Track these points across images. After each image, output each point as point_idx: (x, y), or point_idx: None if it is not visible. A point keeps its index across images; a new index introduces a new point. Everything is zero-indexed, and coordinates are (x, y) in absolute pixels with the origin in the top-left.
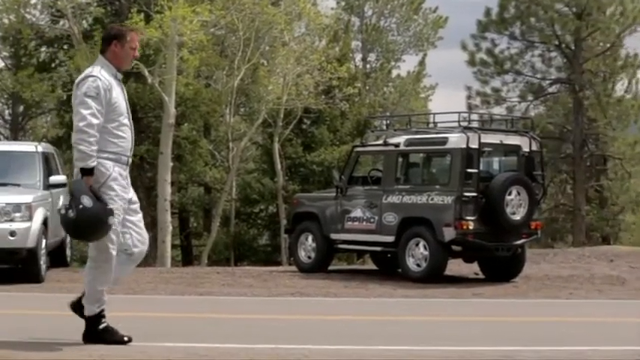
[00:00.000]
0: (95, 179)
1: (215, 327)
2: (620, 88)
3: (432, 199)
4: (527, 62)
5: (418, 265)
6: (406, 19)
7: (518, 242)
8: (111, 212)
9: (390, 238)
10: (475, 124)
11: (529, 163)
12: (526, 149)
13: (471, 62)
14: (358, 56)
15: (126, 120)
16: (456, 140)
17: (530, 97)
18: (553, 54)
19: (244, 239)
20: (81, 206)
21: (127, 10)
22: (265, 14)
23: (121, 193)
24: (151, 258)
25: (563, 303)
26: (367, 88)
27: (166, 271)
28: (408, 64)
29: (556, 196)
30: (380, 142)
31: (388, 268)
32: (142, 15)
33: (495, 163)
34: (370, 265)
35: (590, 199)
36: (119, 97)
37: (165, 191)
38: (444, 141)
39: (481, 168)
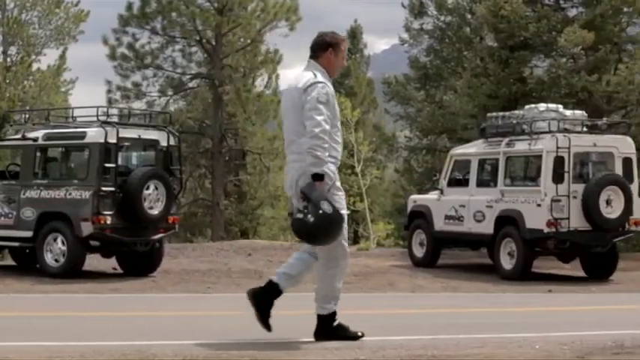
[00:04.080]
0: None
1: None
2: (259, 83)
3: (70, 194)
4: (167, 57)
5: (56, 261)
6: (48, 12)
7: (156, 237)
8: (343, 217)
9: (28, 234)
10: (115, 119)
11: (167, 158)
12: (164, 144)
13: (112, 56)
14: None
15: (340, 125)
16: (94, 135)
17: (170, 92)
18: (194, 49)
19: None
20: (321, 211)
21: None
22: None
23: (343, 197)
24: None
25: (200, 297)
26: (7, 81)
27: None
28: (48, 58)
29: (195, 191)
30: (18, 136)
31: (27, 263)
32: None
33: (134, 157)
34: (9, 261)
35: (229, 194)
36: (336, 103)
37: None
38: (83, 135)
39: (119, 162)
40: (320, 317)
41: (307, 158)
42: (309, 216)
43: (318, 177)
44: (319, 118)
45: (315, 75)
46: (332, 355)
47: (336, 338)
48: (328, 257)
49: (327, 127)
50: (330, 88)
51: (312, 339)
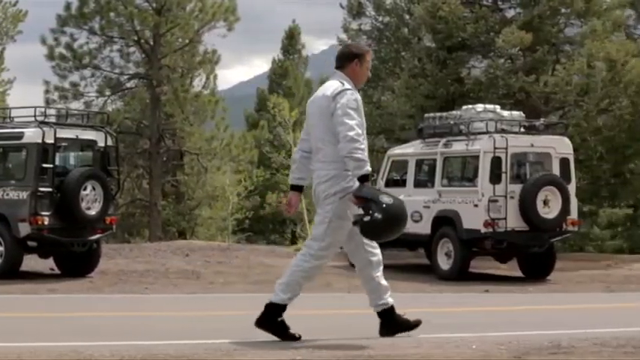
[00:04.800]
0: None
1: None
2: (197, 83)
3: (8, 195)
4: (105, 57)
5: None
6: None
7: (94, 237)
8: (404, 203)
9: None
10: (52, 119)
11: (104, 158)
12: (102, 144)
13: (50, 56)
14: None
15: (365, 134)
16: (31, 135)
17: (108, 92)
18: (132, 49)
19: None
20: (384, 205)
21: None
22: None
23: None
24: None
25: (138, 298)
26: None
27: None
28: None
29: (132, 191)
30: None
31: None
32: None
33: (71, 158)
34: None
35: (167, 194)
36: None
37: None
38: (20, 136)
39: (57, 163)
40: (269, 306)
41: (349, 163)
42: (376, 214)
43: (365, 178)
44: (352, 122)
45: (342, 83)
46: (268, 355)
47: (274, 333)
48: (305, 253)
49: (360, 130)
50: (358, 96)
51: (250, 339)
